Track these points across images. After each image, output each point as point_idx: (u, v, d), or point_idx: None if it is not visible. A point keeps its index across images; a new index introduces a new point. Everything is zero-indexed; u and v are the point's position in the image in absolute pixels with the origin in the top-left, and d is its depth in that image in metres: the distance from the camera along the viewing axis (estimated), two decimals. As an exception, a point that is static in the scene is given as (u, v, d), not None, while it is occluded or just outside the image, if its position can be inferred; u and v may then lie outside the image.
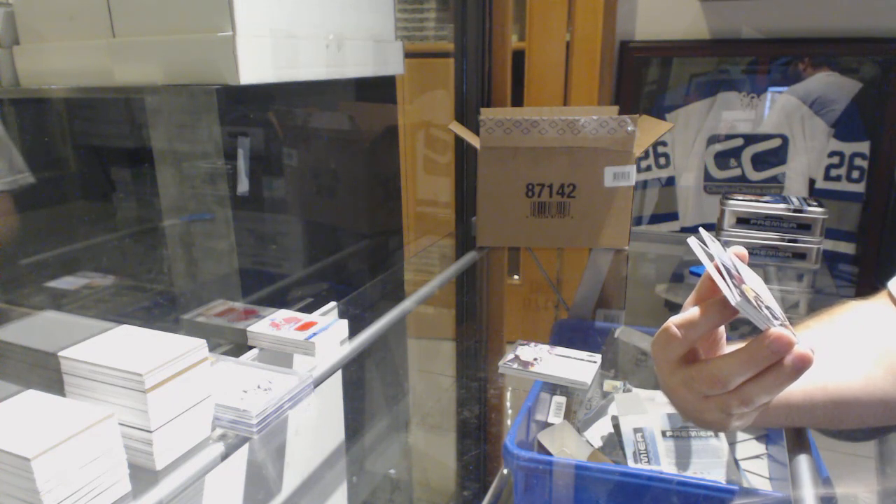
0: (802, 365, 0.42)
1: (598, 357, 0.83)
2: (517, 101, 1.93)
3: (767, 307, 0.44)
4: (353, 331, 0.73)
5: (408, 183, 2.12)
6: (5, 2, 0.78)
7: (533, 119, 0.98)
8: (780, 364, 0.42)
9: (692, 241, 0.46)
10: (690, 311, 0.45)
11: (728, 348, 0.49)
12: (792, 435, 0.61)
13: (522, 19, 1.94)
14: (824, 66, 1.73)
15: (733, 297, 0.42)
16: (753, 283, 0.47)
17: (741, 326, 0.49)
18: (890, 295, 0.61)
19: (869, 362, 0.55)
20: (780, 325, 0.42)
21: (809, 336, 0.58)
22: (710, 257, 0.45)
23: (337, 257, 1.02)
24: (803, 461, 0.58)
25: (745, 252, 0.48)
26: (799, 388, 0.52)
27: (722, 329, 0.48)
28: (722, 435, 0.83)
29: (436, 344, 1.39)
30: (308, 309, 0.73)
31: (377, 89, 1.07)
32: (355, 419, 0.95)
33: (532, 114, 1.03)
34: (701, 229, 0.49)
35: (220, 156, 0.73)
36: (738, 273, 0.46)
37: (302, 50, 0.78)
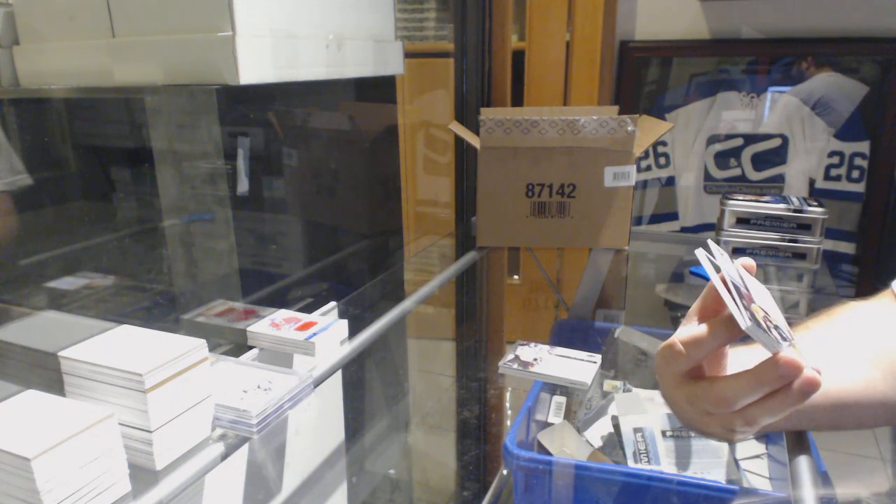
0: (810, 389, 0.41)
1: (598, 357, 0.83)
2: (517, 101, 1.93)
3: (776, 326, 0.43)
4: (353, 331, 0.73)
5: (408, 183, 2.12)
6: (5, 2, 0.78)
7: (533, 119, 0.98)
8: (787, 388, 0.42)
9: (700, 252, 0.45)
10: (697, 330, 0.45)
11: (731, 351, 0.49)
12: (792, 435, 0.61)
13: (522, 19, 1.94)
14: (826, 65, 1.73)
15: (744, 322, 0.41)
16: (761, 298, 0.46)
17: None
18: (894, 294, 0.61)
19: (868, 365, 0.55)
20: (789, 345, 0.42)
21: (810, 338, 0.58)
22: (718, 270, 0.44)
23: (337, 257, 1.02)
24: (803, 461, 0.58)
25: (752, 264, 0.48)
26: None
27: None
28: (722, 435, 0.83)
29: (436, 344, 1.39)
30: (308, 309, 0.73)
31: (377, 89, 1.07)
32: (355, 419, 0.95)
33: (532, 114, 1.03)
34: (709, 241, 0.48)
35: (220, 156, 0.73)
36: (747, 290, 0.45)
37: (302, 50, 0.78)
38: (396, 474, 1.15)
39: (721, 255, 0.46)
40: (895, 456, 0.73)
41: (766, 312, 0.44)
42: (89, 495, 0.42)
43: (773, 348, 0.41)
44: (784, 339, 0.42)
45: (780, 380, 0.41)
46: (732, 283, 0.43)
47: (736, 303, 0.42)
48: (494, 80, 1.34)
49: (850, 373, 0.55)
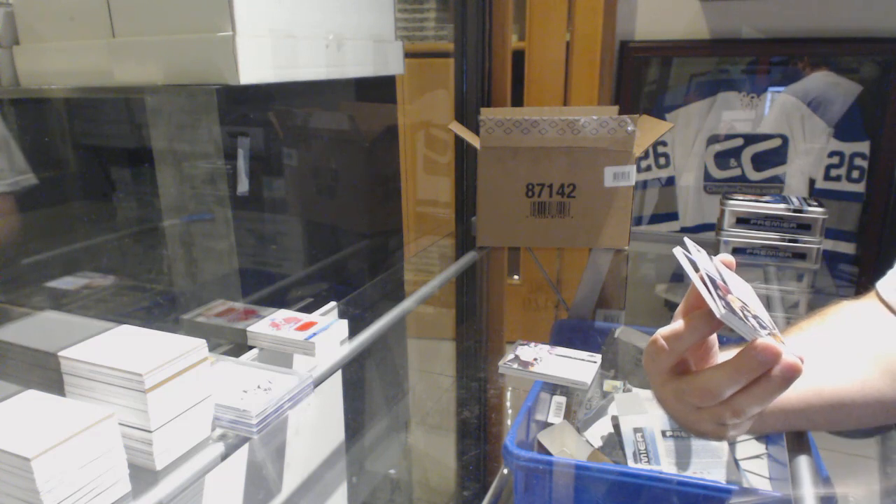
0: (791, 374, 0.42)
1: (598, 357, 0.83)
2: (517, 101, 1.93)
3: (755, 316, 0.43)
4: (353, 331, 0.73)
5: (408, 183, 2.12)
6: (5, 2, 0.78)
7: (533, 119, 0.98)
8: (768, 375, 0.42)
9: (677, 251, 0.46)
10: (676, 324, 0.45)
11: (722, 353, 0.49)
12: (792, 435, 0.61)
13: (522, 19, 1.94)
14: (823, 66, 1.73)
15: (718, 310, 0.41)
16: (740, 291, 0.46)
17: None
18: (878, 296, 0.61)
19: (864, 363, 0.55)
20: (769, 333, 0.42)
21: (803, 339, 0.58)
22: (696, 268, 0.45)
23: (337, 257, 1.02)
24: (803, 461, 0.58)
25: (731, 259, 0.48)
26: (795, 394, 0.52)
27: (714, 338, 0.48)
28: (722, 435, 0.83)
29: (436, 344, 1.39)
30: (308, 309, 0.73)
31: (377, 89, 1.07)
32: (355, 419, 0.95)
33: (532, 114, 1.03)
34: (685, 238, 0.48)
35: (220, 156, 0.73)
36: (724, 283, 0.45)
37: (302, 50, 0.78)
38: (396, 474, 1.15)
39: (698, 252, 0.46)
40: (882, 455, 0.73)
41: (744, 304, 0.44)
42: (89, 495, 0.42)
43: (751, 335, 0.42)
44: (763, 327, 0.43)
45: (760, 366, 0.42)
46: (708, 276, 0.44)
47: (711, 293, 0.42)
48: (494, 80, 1.34)
49: (846, 372, 0.55)
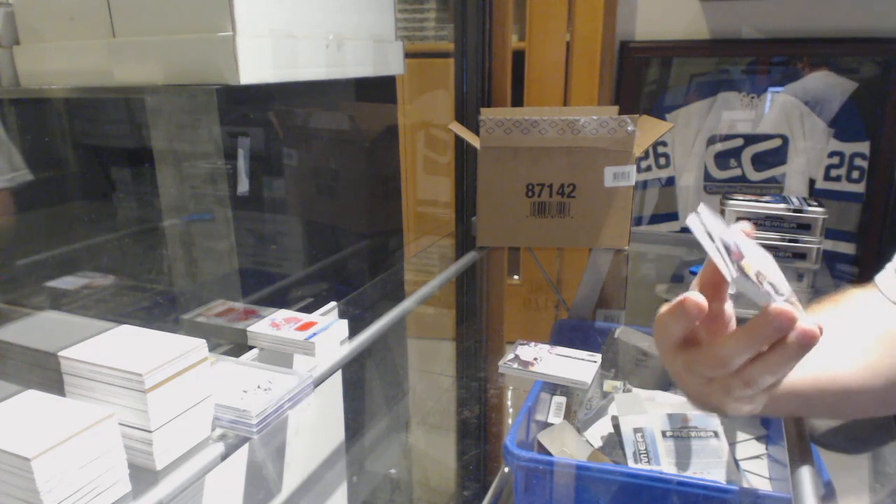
0: (808, 341, 0.39)
1: (598, 357, 0.83)
2: (517, 101, 1.93)
3: (771, 283, 0.41)
4: (353, 331, 0.73)
5: (408, 183, 2.12)
6: (5, 2, 0.78)
7: (533, 119, 0.98)
8: (783, 342, 0.39)
9: (691, 219, 0.42)
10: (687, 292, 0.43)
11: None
12: (793, 438, 0.61)
13: (522, 19, 1.94)
14: (822, 66, 1.73)
15: (730, 274, 0.39)
16: (756, 259, 0.44)
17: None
18: (878, 289, 0.61)
19: (875, 348, 0.55)
20: (785, 300, 0.40)
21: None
22: (711, 238, 0.42)
23: (337, 257, 1.02)
24: (804, 463, 0.58)
25: (749, 228, 0.46)
26: (810, 377, 0.51)
27: (731, 313, 0.45)
28: (722, 435, 0.83)
29: (436, 344, 1.39)
30: (308, 309, 0.73)
31: (377, 89, 1.07)
32: (355, 419, 0.95)
33: (532, 114, 1.03)
34: (702, 205, 0.44)
35: (220, 156, 0.73)
36: (739, 250, 0.43)
37: (302, 50, 0.78)
38: (396, 474, 1.15)
39: (714, 219, 0.44)
40: (883, 457, 0.73)
41: (759, 271, 0.41)
42: (89, 495, 0.42)
43: (765, 300, 0.39)
44: (780, 294, 0.40)
45: (775, 332, 0.39)
46: (722, 241, 0.41)
47: (722, 256, 0.40)
48: (494, 80, 1.34)
49: (859, 359, 0.54)
